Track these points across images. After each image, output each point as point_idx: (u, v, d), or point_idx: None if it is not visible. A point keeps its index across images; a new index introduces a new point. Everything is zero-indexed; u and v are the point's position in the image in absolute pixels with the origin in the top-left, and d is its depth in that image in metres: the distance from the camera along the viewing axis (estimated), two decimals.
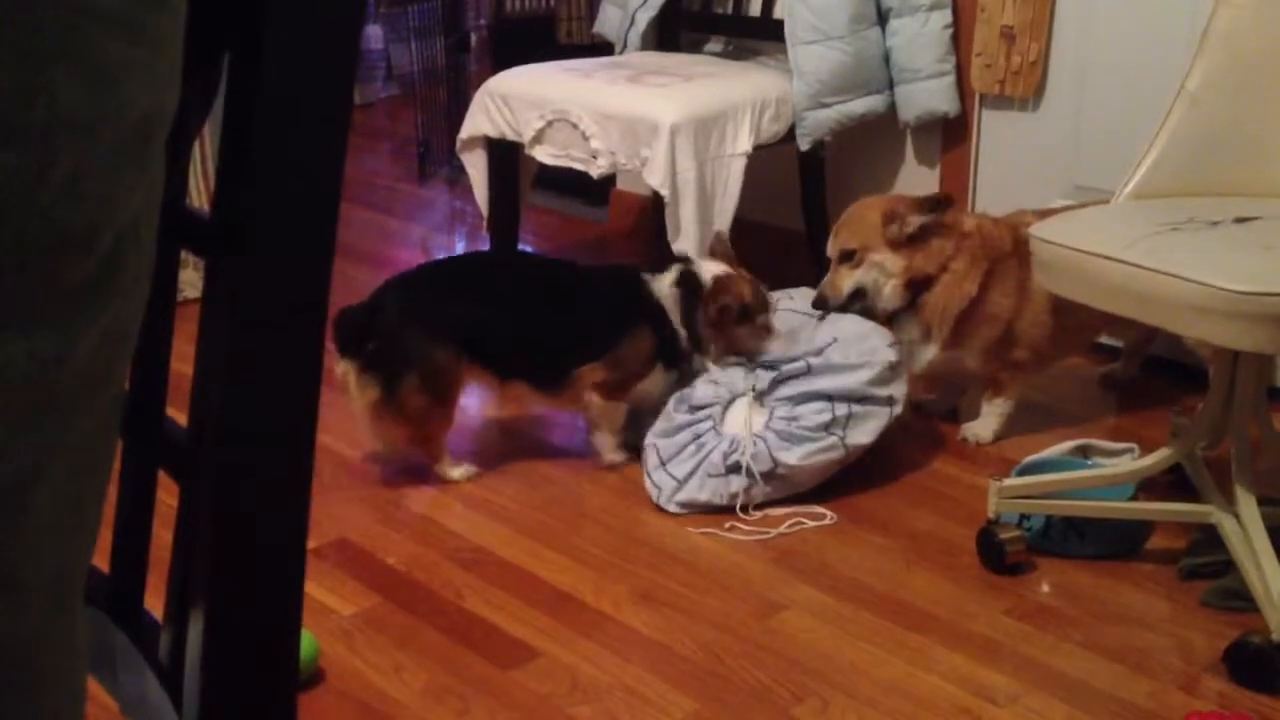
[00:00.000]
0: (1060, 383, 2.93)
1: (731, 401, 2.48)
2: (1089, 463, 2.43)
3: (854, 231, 2.64)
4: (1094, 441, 2.49)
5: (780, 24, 3.23)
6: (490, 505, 2.48)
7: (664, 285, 2.57)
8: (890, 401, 2.46)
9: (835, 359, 2.46)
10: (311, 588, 2.14)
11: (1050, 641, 2.03)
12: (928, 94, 3.19)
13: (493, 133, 3.22)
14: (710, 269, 2.59)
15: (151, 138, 0.54)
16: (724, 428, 2.46)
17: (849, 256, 2.62)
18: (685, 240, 2.93)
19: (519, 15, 4.84)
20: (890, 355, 2.49)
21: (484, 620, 2.10)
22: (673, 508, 2.42)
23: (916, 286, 2.60)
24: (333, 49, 0.66)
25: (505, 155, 3.30)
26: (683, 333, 2.55)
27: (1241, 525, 2.02)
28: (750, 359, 2.54)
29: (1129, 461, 2.34)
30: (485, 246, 3.50)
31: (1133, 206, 2.17)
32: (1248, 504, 2.01)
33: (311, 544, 2.18)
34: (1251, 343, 1.86)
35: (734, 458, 2.40)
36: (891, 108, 3.25)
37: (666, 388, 2.58)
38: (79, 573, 0.58)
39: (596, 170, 3.06)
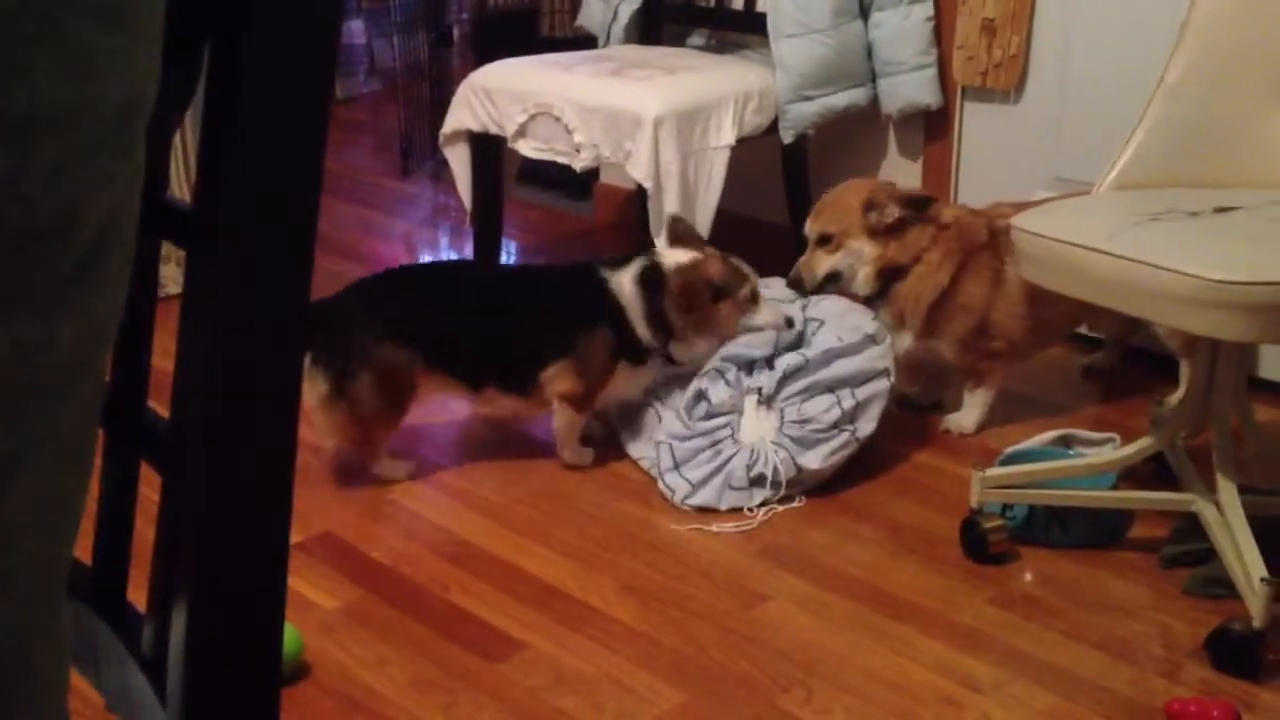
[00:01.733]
0: (1042, 373, 2.94)
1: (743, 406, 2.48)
2: (1071, 452, 2.45)
3: (834, 216, 2.65)
4: (1076, 431, 2.51)
5: (763, 17, 3.23)
6: (474, 499, 2.49)
7: (624, 282, 2.53)
8: (886, 374, 2.48)
9: (829, 343, 2.47)
10: (296, 582, 2.14)
11: (1033, 630, 2.04)
12: (910, 87, 3.19)
13: (476, 127, 3.22)
14: (673, 257, 2.56)
15: (132, 126, 0.54)
16: (741, 435, 2.45)
17: (827, 240, 2.64)
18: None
19: (501, 9, 4.83)
20: (873, 328, 2.52)
21: (469, 613, 2.10)
22: (688, 509, 2.42)
23: (889, 275, 2.62)
24: (313, 39, 0.66)
25: (488, 149, 3.29)
26: (645, 329, 2.51)
27: (1222, 513, 2.03)
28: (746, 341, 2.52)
29: (1110, 451, 2.36)
30: (469, 240, 3.49)
31: (1114, 197, 2.18)
32: (1228, 492, 2.02)
33: (295, 538, 2.18)
34: (1231, 332, 1.87)
35: (758, 469, 2.40)
36: (874, 100, 3.26)
37: (636, 386, 2.58)
38: (61, 563, 0.59)
39: (580, 163, 3.06)
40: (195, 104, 0.71)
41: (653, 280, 2.51)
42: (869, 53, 3.23)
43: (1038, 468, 2.32)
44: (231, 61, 0.64)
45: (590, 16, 3.69)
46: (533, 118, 3.09)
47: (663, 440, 2.49)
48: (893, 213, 2.59)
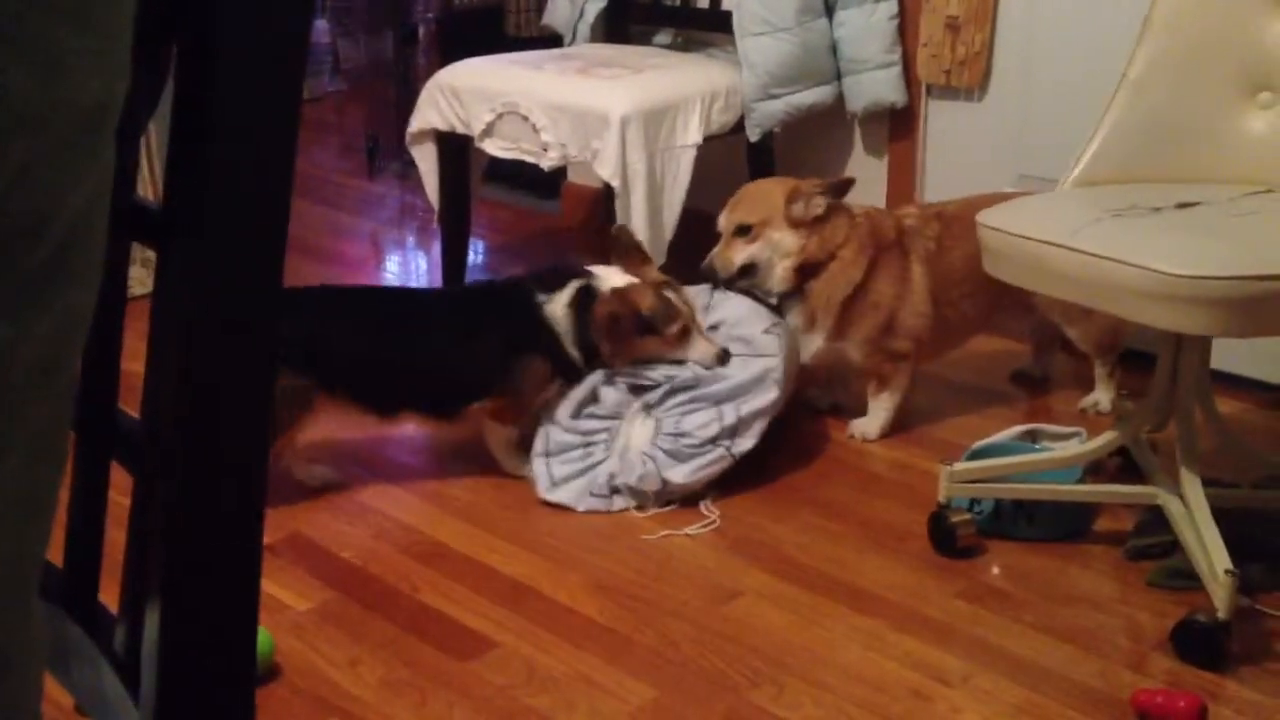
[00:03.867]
0: (1007, 368, 2.96)
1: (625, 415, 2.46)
2: (1038, 447, 2.46)
3: (754, 207, 2.64)
4: (1042, 426, 2.53)
5: (728, 16, 3.24)
6: (444, 498, 2.48)
7: (558, 307, 2.46)
8: (776, 386, 2.44)
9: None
10: (265, 583, 2.12)
11: (1001, 623, 2.06)
12: (875, 84, 3.21)
13: (442, 126, 3.21)
14: (610, 280, 2.49)
15: (102, 126, 0.54)
16: (619, 440, 2.44)
17: (745, 231, 2.62)
18: (637, 232, 2.93)
19: (467, 7, 4.82)
20: (766, 339, 2.49)
21: (440, 612, 2.10)
22: (546, 498, 2.42)
23: (805, 272, 2.61)
24: (282, 37, 0.66)
25: (455, 148, 3.28)
26: (578, 354, 2.46)
27: (1186, 506, 2.06)
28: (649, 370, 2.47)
29: (1077, 445, 2.37)
30: (437, 239, 3.48)
31: (1078, 194, 2.20)
32: (1192, 485, 2.04)
33: (266, 539, 2.16)
34: (1193, 326, 1.89)
35: (619, 479, 2.39)
36: (839, 98, 3.27)
37: (566, 400, 2.48)
38: (34, 562, 0.58)
39: (547, 162, 3.06)
40: (162, 103, 0.71)
41: (585, 305, 2.45)
42: (834, 51, 3.25)
43: (1004, 462, 2.34)
44: (200, 60, 0.64)
45: (556, 15, 3.69)
46: (500, 117, 3.09)
47: (545, 426, 2.47)
48: (819, 204, 2.58)
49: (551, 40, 3.71)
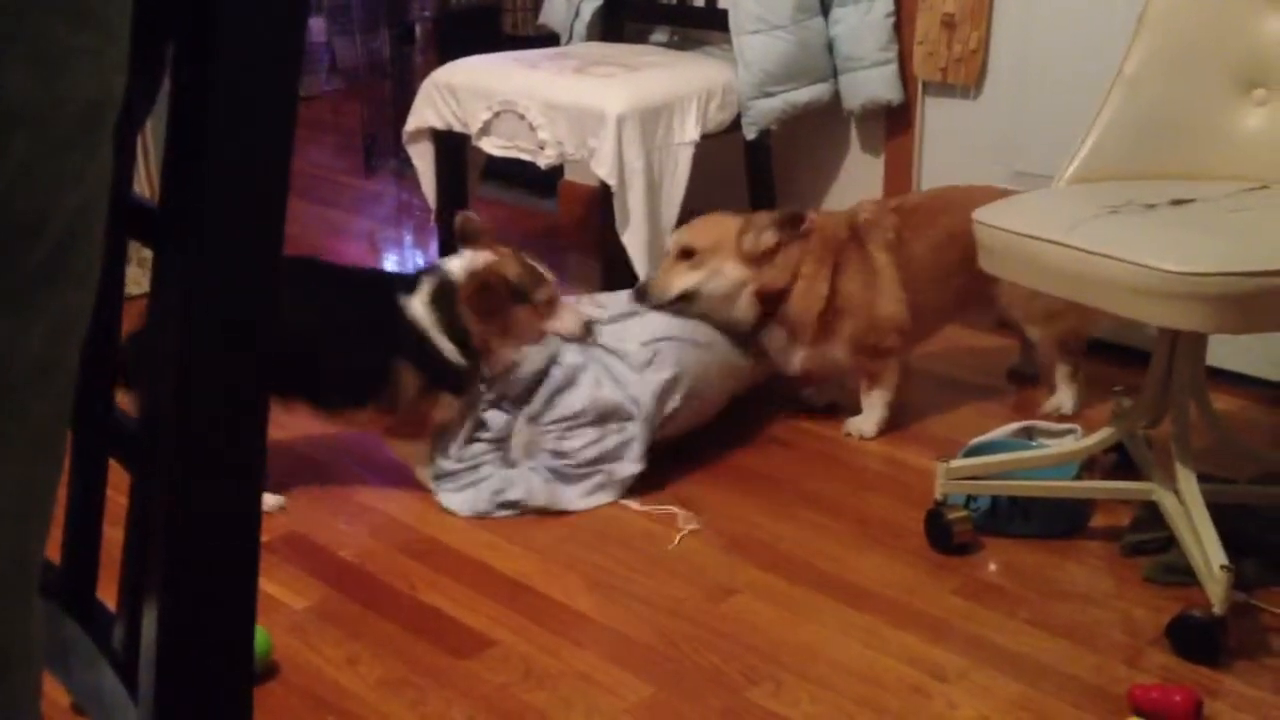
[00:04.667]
0: (1003, 365, 2.96)
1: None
2: (1034, 444, 2.47)
3: (705, 233, 2.58)
4: (1038, 423, 2.53)
5: (724, 14, 3.24)
6: None
7: (417, 306, 2.35)
8: (656, 410, 2.41)
9: (610, 369, 2.42)
10: (263, 582, 2.13)
11: (997, 619, 2.06)
12: (871, 82, 3.21)
13: (439, 124, 3.22)
14: (463, 265, 2.38)
15: (100, 124, 0.54)
16: (510, 451, 2.43)
17: (689, 254, 2.56)
18: (634, 230, 2.94)
19: (464, 6, 4.82)
20: (646, 353, 2.44)
21: (437, 610, 2.11)
22: (432, 491, 2.43)
23: (772, 300, 2.56)
24: (278, 36, 0.66)
25: (452, 147, 3.29)
26: (451, 350, 2.35)
27: (1182, 502, 2.06)
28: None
29: (1072, 441, 2.38)
30: (434, 238, 3.48)
31: (1073, 191, 2.20)
32: (1188, 481, 2.05)
33: (262, 538, 2.17)
34: (1188, 322, 1.89)
35: (504, 496, 2.38)
36: (836, 96, 3.28)
37: (460, 414, 2.42)
38: (32, 560, 0.59)
39: (544, 161, 3.06)
40: (159, 101, 0.72)
41: (445, 297, 2.35)
42: (830, 48, 3.25)
43: (1001, 459, 2.34)
44: (196, 59, 0.65)
45: (553, 14, 3.69)
46: (497, 115, 3.09)
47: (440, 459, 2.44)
48: (769, 239, 2.54)
49: (548, 39, 3.72)
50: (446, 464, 2.43)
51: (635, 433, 2.42)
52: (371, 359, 2.34)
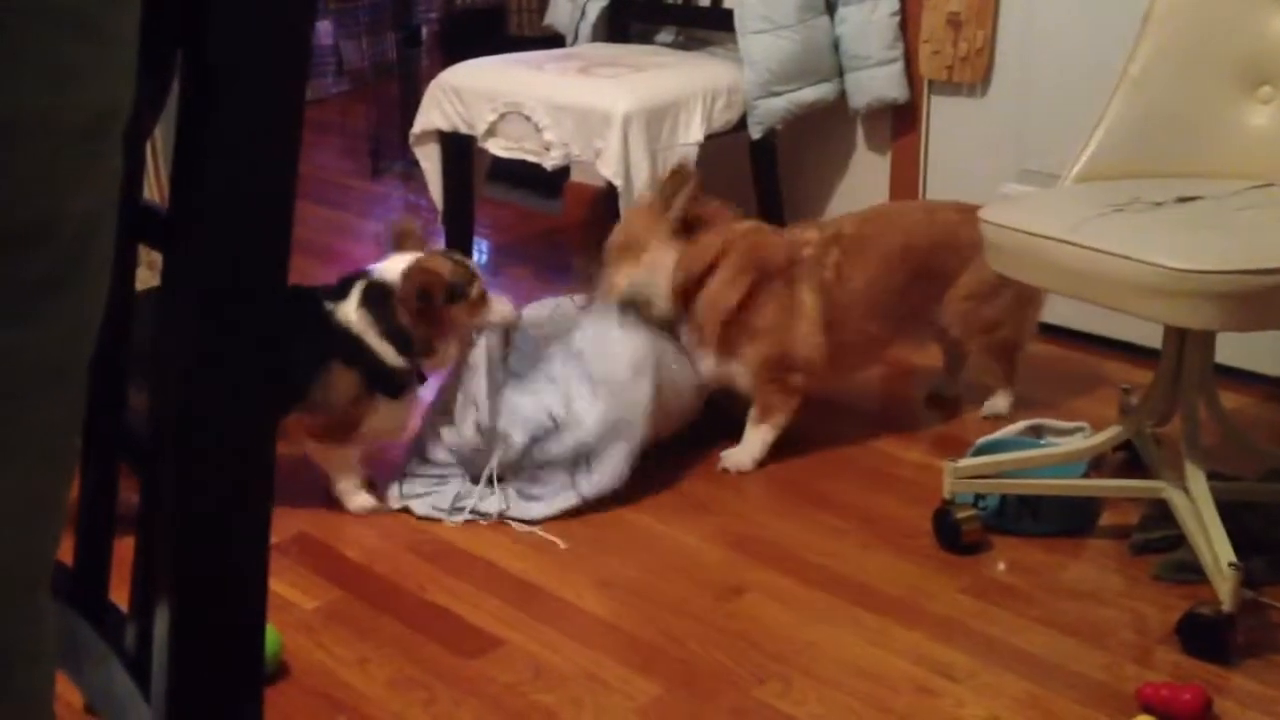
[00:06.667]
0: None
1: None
2: (1042, 442, 2.47)
3: (632, 224, 2.59)
4: (1046, 421, 2.53)
5: (729, 14, 3.25)
6: None
7: (349, 311, 2.32)
8: (634, 426, 2.40)
9: (585, 393, 2.40)
10: (272, 582, 2.11)
11: (1006, 618, 2.06)
12: (877, 81, 3.21)
13: (445, 126, 3.22)
14: (394, 267, 2.36)
15: (107, 133, 0.55)
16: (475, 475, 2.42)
17: (627, 250, 2.55)
18: None
19: (469, 8, 4.83)
20: (624, 374, 2.42)
21: (446, 610, 2.11)
22: (393, 506, 2.42)
23: (687, 293, 2.52)
24: (284, 41, 0.66)
25: (458, 149, 3.29)
26: (389, 351, 2.33)
27: (1191, 500, 2.06)
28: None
29: (1080, 440, 2.38)
30: (441, 240, 3.49)
31: (1079, 189, 2.20)
32: (1197, 479, 2.04)
33: (272, 539, 2.17)
34: (1195, 321, 1.89)
35: (464, 502, 2.38)
36: (842, 95, 3.28)
37: (404, 414, 2.43)
38: (44, 562, 0.59)
39: (550, 162, 3.07)
40: (167, 106, 0.72)
41: (377, 298, 2.33)
42: (836, 48, 3.25)
43: (1009, 458, 2.34)
44: (204, 65, 0.65)
45: (558, 15, 3.70)
46: (502, 117, 3.10)
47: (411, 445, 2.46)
48: (686, 196, 2.50)
49: (553, 40, 3.72)
50: (413, 467, 2.45)
51: (614, 448, 2.39)
52: (303, 361, 2.30)
